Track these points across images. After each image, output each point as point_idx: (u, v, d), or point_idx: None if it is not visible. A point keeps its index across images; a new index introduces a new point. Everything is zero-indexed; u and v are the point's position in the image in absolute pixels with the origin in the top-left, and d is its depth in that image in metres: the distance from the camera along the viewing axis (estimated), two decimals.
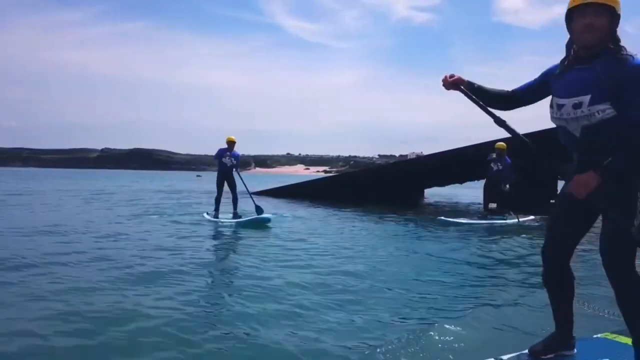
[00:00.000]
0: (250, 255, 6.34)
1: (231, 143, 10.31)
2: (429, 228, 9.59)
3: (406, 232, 9.13)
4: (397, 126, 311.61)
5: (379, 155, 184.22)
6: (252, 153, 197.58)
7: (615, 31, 2.06)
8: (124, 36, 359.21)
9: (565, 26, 2.14)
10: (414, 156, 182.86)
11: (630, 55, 2.00)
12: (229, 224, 9.69)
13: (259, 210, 9.73)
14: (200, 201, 15.68)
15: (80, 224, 9.19)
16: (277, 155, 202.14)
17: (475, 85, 2.36)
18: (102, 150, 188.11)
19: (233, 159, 10.18)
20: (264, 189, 20.49)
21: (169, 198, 18.05)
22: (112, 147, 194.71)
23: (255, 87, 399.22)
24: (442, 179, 16.96)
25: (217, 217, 10.26)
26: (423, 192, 18.90)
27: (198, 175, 67.80)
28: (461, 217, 11.07)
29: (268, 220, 9.44)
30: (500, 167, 10.55)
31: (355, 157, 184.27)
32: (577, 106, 2.05)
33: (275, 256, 6.16)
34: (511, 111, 2.40)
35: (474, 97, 2.29)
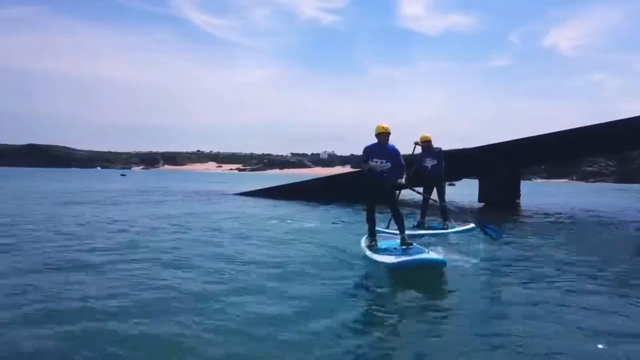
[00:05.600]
0: None
1: (384, 135, 6.51)
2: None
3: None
4: (305, 125, 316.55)
5: (291, 153, 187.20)
6: (160, 150, 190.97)
7: None
8: (12, 21, 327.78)
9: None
10: (326, 155, 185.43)
11: None
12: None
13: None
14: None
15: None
16: (187, 152, 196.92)
17: None
18: None
19: (384, 161, 6.47)
20: (245, 190, 21.83)
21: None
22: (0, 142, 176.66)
23: (160, 81, 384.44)
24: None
25: (374, 251, 6.34)
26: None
27: (122, 175, 65.39)
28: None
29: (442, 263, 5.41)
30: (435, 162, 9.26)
31: (269, 155, 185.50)
32: None
33: None
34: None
35: None
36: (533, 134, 15.67)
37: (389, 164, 6.50)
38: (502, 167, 16.03)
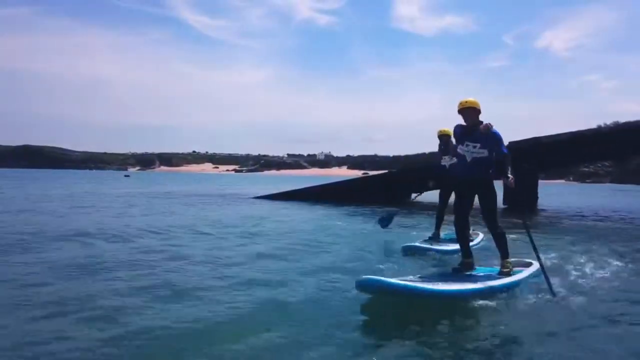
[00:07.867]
0: None
1: (467, 110, 4.88)
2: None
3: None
4: (302, 126, 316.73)
5: (288, 154, 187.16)
6: (156, 151, 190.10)
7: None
8: (7, 22, 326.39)
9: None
10: (323, 156, 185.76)
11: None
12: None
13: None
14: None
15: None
16: (183, 153, 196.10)
17: None
18: None
19: (478, 145, 4.85)
20: (265, 193, 22.15)
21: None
22: None
23: (154, 82, 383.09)
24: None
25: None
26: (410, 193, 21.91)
27: (126, 175, 65.29)
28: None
29: None
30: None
31: (265, 156, 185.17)
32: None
33: None
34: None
35: None
36: (531, 135, 16.12)
37: (484, 151, 4.77)
38: (525, 168, 16.38)
